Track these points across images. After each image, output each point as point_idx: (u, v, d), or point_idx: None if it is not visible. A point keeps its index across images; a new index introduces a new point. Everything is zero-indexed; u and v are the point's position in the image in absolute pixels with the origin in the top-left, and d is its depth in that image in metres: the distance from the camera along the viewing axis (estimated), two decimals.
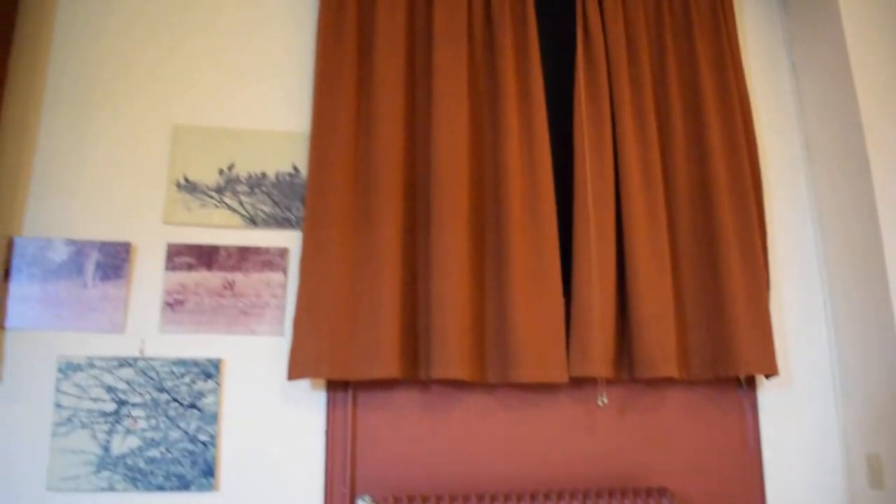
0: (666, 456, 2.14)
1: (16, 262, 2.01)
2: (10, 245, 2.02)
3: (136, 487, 1.91)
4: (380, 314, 1.93)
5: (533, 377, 1.98)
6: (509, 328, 1.99)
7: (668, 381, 2.17)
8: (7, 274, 2.01)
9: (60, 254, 2.01)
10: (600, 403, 2.07)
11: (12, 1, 2.07)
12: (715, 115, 2.22)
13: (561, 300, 2.03)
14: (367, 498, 1.93)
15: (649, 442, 2.13)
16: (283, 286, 2.04)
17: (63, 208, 2.05)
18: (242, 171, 2.09)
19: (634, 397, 2.15)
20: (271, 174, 2.09)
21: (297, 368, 1.91)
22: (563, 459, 2.07)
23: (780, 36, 2.52)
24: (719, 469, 2.14)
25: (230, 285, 2.02)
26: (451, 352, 1.93)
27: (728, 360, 2.09)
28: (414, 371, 1.98)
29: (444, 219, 1.98)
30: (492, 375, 2.01)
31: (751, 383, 2.22)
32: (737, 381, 2.22)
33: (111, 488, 1.91)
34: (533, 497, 1.96)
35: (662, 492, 2.02)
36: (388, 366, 1.91)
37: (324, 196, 2.00)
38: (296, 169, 2.11)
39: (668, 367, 2.05)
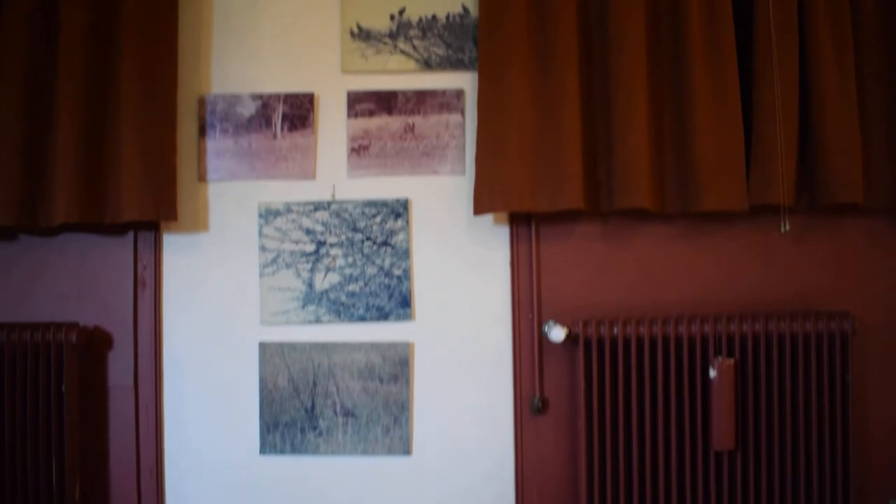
0: (847, 283, 2.21)
1: (209, 118, 2.23)
2: (201, 103, 2.23)
3: (340, 319, 2.16)
4: (562, 146, 2.05)
5: (713, 205, 2.07)
6: (689, 157, 2.07)
7: (850, 210, 2.20)
8: (202, 131, 2.23)
9: (248, 108, 2.21)
10: (782, 230, 2.14)
11: None
12: None
13: (741, 127, 2.08)
14: (553, 323, 2.11)
15: (830, 269, 2.20)
16: (462, 127, 2.18)
17: (246, 65, 2.23)
18: (413, 14, 2.20)
19: (814, 225, 2.21)
20: (442, 16, 2.19)
21: (482, 203, 2.07)
22: (743, 285, 2.18)
23: None
24: None
25: (410, 128, 2.18)
26: (633, 182, 2.04)
27: None
28: (596, 202, 2.10)
29: (623, 49, 2.05)
30: (672, 205, 2.11)
31: None
32: None
33: (318, 320, 2.16)
34: (716, 320, 2.09)
35: (844, 315, 2.11)
36: (573, 197, 2.04)
37: (496, 35, 2.09)
38: (465, 9, 2.20)
39: (853, 193, 2.08)
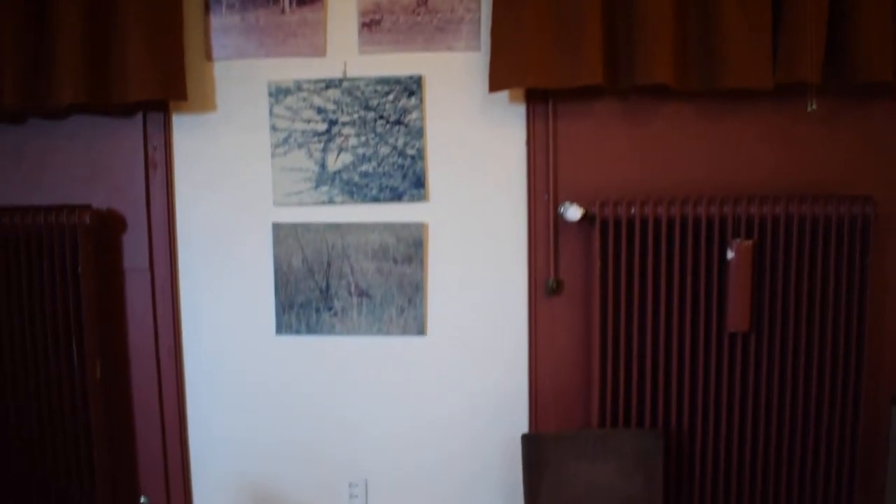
0: (871, 167, 2.16)
1: None
2: None
3: (354, 199, 2.15)
4: (581, 20, 1.98)
5: (737, 82, 2.01)
6: (714, 31, 1.99)
7: (878, 92, 2.13)
8: (207, 7, 2.16)
9: None
10: (809, 109, 2.08)
11: None
12: None
13: (769, 1, 1.99)
14: (569, 203, 2.08)
15: (855, 152, 2.15)
16: (477, 0, 2.10)
17: None
18: None
19: (842, 107, 2.15)
20: None
21: (498, 80, 2.02)
22: (764, 167, 2.14)
23: None
24: None
25: (424, 2, 2.10)
26: (655, 56, 1.98)
27: None
28: (615, 78, 2.05)
29: None
30: (694, 81, 2.05)
31: None
32: None
33: (331, 201, 2.15)
34: (736, 201, 2.06)
35: (866, 199, 2.07)
36: (592, 72, 1.98)
37: None
38: None
39: (882, 71, 2.01)
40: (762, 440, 2.12)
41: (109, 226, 2.23)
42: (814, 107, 2.07)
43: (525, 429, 2.21)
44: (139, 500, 2.34)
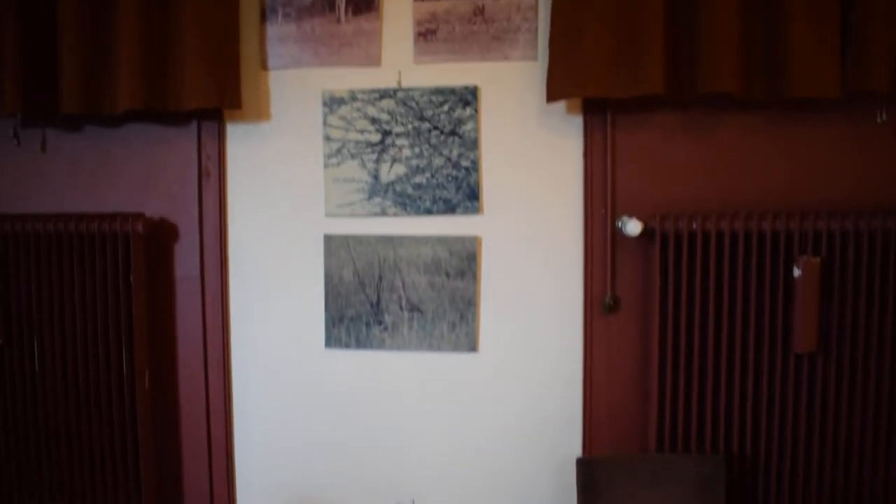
0: None
1: (269, 2, 2.18)
2: None
3: (406, 211, 2.14)
4: (642, 28, 1.95)
5: (804, 91, 1.96)
6: (780, 38, 1.95)
7: None
8: (263, 16, 2.18)
9: None
10: (879, 121, 2.02)
11: None
12: None
13: (838, 5, 1.95)
14: (628, 217, 2.04)
15: None
16: (534, 9, 2.09)
17: None
18: None
19: None
20: None
21: (556, 89, 2.00)
22: (832, 180, 2.08)
23: None
24: None
25: (480, 11, 2.09)
26: (718, 64, 1.94)
27: None
28: (677, 88, 2.01)
29: None
30: (759, 90, 2.00)
31: None
32: None
33: (383, 213, 2.14)
34: (802, 216, 2.00)
35: None
36: (653, 81, 1.95)
37: None
38: None
39: None
40: (829, 467, 2.04)
41: (162, 234, 2.25)
42: (884, 118, 2.01)
43: (578, 450, 2.16)
44: None
